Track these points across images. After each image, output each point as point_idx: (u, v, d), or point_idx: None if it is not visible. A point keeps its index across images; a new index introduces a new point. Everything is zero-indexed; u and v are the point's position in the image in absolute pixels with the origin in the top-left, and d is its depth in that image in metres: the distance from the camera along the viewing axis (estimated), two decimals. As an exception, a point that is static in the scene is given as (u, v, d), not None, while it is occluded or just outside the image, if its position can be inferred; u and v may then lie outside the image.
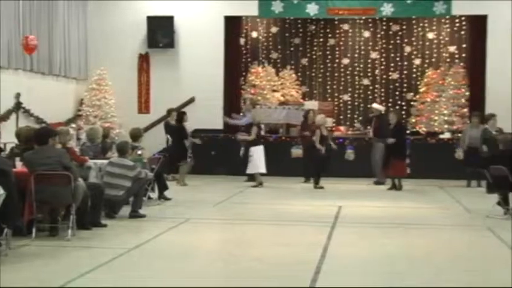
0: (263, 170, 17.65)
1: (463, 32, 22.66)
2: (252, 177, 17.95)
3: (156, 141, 19.30)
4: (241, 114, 18.30)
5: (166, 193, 14.79)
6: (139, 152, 13.63)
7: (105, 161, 12.61)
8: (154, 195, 14.60)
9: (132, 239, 10.31)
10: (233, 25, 22.13)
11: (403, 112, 22.87)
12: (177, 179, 17.71)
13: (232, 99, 21.44)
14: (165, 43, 21.27)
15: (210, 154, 19.71)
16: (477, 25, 21.26)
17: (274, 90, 22.65)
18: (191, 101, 21.03)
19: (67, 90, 20.53)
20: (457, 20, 22.57)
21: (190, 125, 17.94)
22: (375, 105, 19.94)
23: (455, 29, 22.78)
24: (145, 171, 12.86)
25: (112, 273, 8.22)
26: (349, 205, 14.50)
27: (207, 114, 20.41)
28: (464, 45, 22.59)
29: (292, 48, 23.74)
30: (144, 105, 21.62)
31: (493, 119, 17.55)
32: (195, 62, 21.24)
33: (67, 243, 9.78)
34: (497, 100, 19.84)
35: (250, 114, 18.66)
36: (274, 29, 23.78)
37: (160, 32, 21.22)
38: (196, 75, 21.14)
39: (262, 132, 20.02)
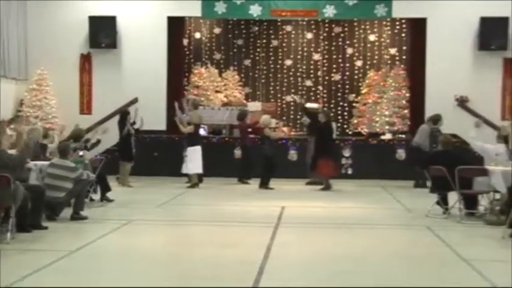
0: (199, 170, 17.60)
1: (403, 35, 23.02)
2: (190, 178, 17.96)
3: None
4: (184, 115, 18.27)
5: (109, 194, 14.68)
6: (81, 153, 13.50)
7: (46, 163, 12.46)
8: (96, 196, 14.47)
9: (74, 241, 10.20)
10: (176, 26, 22.05)
11: (345, 113, 23.17)
12: (120, 178, 17.60)
13: (176, 100, 21.31)
14: (107, 43, 21.08)
15: (153, 155, 19.62)
16: (417, 27, 21.59)
17: (217, 91, 22.66)
18: (134, 101, 20.88)
19: (6, 90, 20.16)
20: (397, 23, 22.92)
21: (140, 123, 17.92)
22: (309, 105, 20.11)
23: (396, 31, 23.13)
24: (87, 172, 12.75)
25: (54, 276, 8.12)
26: (292, 205, 14.58)
27: (150, 115, 20.27)
28: (404, 48, 22.96)
29: (235, 49, 23.79)
30: (86, 106, 21.39)
31: (441, 120, 17.87)
32: (137, 63, 21.10)
33: (6, 246, 9.62)
34: (437, 101, 20.16)
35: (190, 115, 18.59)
36: (217, 30, 23.80)
37: (103, 32, 21.01)
38: (139, 76, 21.01)
39: (204, 133, 20.04)
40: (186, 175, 17.95)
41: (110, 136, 18.39)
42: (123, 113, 18.13)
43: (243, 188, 17.98)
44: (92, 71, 21.44)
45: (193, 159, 17.49)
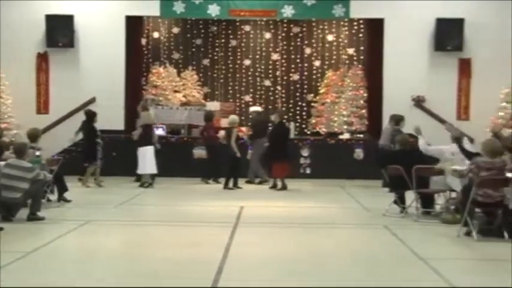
0: (149, 171, 17.51)
1: (361, 35, 23.22)
2: (139, 178, 17.89)
3: (55, 142, 18.98)
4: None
5: (66, 195, 14.56)
6: (37, 153, 13.37)
7: (2, 163, 12.31)
8: (53, 197, 14.35)
9: (30, 242, 10.09)
10: (134, 25, 21.93)
11: (304, 113, 23.29)
12: (83, 179, 17.50)
13: (134, 100, 21.19)
14: (64, 42, 20.87)
15: (111, 155, 19.48)
16: (374, 28, 21.76)
17: (176, 91, 22.61)
18: (92, 101, 20.72)
19: (-38, 90, 19.91)
20: (355, 23, 23.11)
21: None
22: (253, 108, 20.25)
23: (353, 31, 23.32)
24: (43, 172, 12.64)
25: (10, 277, 8.02)
26: (251, 205, 14.61)
27: (108, 115, 20.14)
28: (362, 48, 23.16)
29: (194, 49, 23.77)
30: (43, 106, 21.15)
31: (404, 121, 18.00)
32: (95, 62, 20.93)
33: (-38, 248, 9.51)
34: (394, 101, 20.34)
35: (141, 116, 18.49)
36: (175, 30, 23.76)
37: (60, 31, 20.79)
38: (96, 75, 20.85)
39: (163, 133, 19.97)
40: (137, 175, 17.93)
41: (68, 136, 18.31)
42: (90, 114, 17.99)
43: (201, 188, 17.96)
44: (49, 70, 21.20)
45: (144, 160, 17.41)
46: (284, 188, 17.58)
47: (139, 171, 17.66)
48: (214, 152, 18.70)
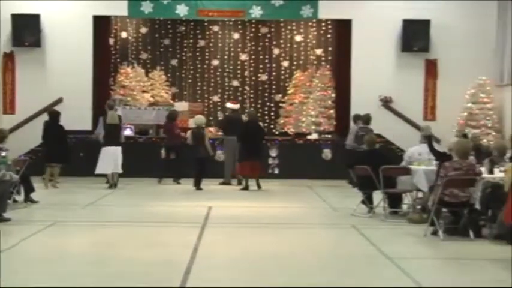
0: (114, 170, 17.39)
1: (329, 35, 23.31)
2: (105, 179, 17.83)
3: (22, 142, 18.82)
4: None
5: (33, 195, 14.43)
6: (3, 154, 13.23)
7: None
8: (20, 198, 14.22)
9: (-4, 244, 10.01)
10: (102, 25, 21.79)
11: (272, 113, 23.35)
12: (45, 179, 17.31)
13: (101, 100, 21.06)
14: (31, 42, 20.68)
15: (79, 155, 19.34)
16: (342, 29, 21.84)
17: (144, 91, 22.53)
18: (59, 101, 20.57)
19: None
20: (323, 24, 23.20)
21: None
22: (229, 105, 20.19)
23: (321, 32, 23.41)
24: (9, 173, 12.53)
25: (-25, 279, 7.96)
26: (219, 205, 14.61)
27: (76, 115, 20.01)
28: (330, 48, 23.24)
29: (162, 49, 23.71)
30: (9, 106, 20.94)
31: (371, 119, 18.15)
32: (62, 62, 20.76)
33: None
34: (362, 101, 20.44)
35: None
36: (144, 30, 23.68)
37: (26, 30, 20.60)
38: (64, 75, 20.67)
39: (131, 133, 19.87)
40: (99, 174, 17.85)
41: (35, 136, 18.16)
42: (55, 114, 17.82)
43: (169, 189, 17.90)
44: (15, 70, 20.98)
45: (108, 160, 17.30)
46: (246, 188, 17.63)
47: (99, 170, 17.45)
48: (176, 153, 18.59)
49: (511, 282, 7.56)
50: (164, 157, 18.94)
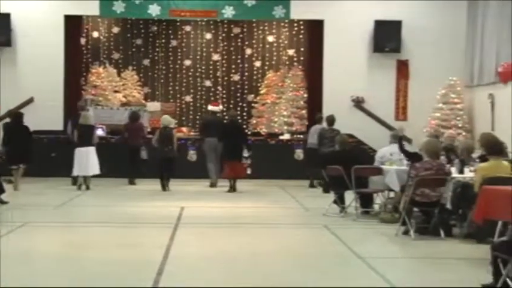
0: (92, 172, 17.24)
1: (301, 36, 23.38)
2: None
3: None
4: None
5: (3, 196, 14.30)
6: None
7: None
8: (-10, 199, 14.10)
9: (-34, 245, 9.92)
10: (73, 24, 21.66)
11: (244, 114, 23.37)
12: (15, 181, 17.14)
13: (73, 100, 20.96)
14: (1, 41, 20.51)
15: (50, 156, 19.23)
16: (314, 29, 21.91)
17: (116, 91, 22.45)
18: (30, 101, 20.43)
19: None
20: (295, 24, 23.27)
21: None
22: (210, 107, 20.18)
23: (294, 32, 23.48)
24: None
25: None
26: (192, 206, 14.59)
27: (47, 115, 19.90)
28: (302, 49, 23.31)
29: (134, 49, 23.66)
30: (-21, 106, 20.77)
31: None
32: (33, 61, 20.63)
33: None
34: (334, 102, 20.53)
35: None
36: (115, 29, 23.61)
37: (-4, 29, 20.48)
38: (35, 75, 20.55)
39: (103, 133, 19.75)
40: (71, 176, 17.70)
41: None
42: (18, 115, 17.63)
43: (140, 189, 17.81)
44: (-15, 70, 20.83)
45: (83, 161, 17.18)
46: (213, 185, 17.76)
47: (76, 172, 17.33)
48: (136, 154, 18.43)
49: (481, 281, 7.63)
50: (129, 158, 18.65)
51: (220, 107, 20.81)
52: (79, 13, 21.60)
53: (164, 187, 17.39)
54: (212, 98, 23.38)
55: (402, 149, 12.60)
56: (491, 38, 18.90)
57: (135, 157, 18.39)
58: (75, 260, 9.26)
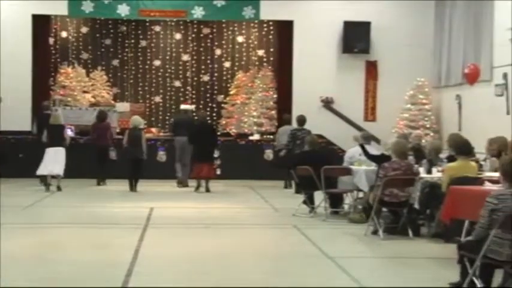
0: (58, 172, 17.13)
1: (271, 36, 23.41)
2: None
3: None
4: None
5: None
6: None
7: None
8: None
9: None
10: (41, 24, 21.49)
11: (214, 114, 23.36)
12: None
13: (41, 100, 20.80)
14: (-33, 41, 20.34)
15: (18, 157, 19.07)
16: (284, 30, 21.97)
17: (84, 91, 22.32)
18: (-3, 101, 20.24)
19: None
20: (265, 25, 23.30)
21: None
22: (182, 106, 20.14)
23: (263, 33, 23.51)
24: None
25: None
26: (161, 206, 14.56)
27: (15, 116, 19.73)
28: (272, 49, 23.35)
29: (103, 49, 23.52)
30: None
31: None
32: (1, 61, 20.41)
33: None
34: (303, 102, 20.59)
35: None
36: (84, 29, 23.45)
37: (-37, 29, 20.24)
38: (2, 75, 20.30)
39: (72, 134, 19.62)
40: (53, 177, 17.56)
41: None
42: None
43: (109, 190, 17.72)
44: (-48, 70, 20.59)
45: (51, 160, 17.06)
46: (181, 183, 17.74)
47: (40, 171, 17.19)
48: (104, 154, 18.33)
49: (448, 280, 7.71)
50: (97, 158, 18.52)
51: (191, 106, 20.76)
52: (47, 13, 21.45)
53: (133, 187, 17.32)
54: (182, 99, 23.34)
55: (367, 155, 12.57)
56: (458, 39, 19.06)
57: (104, 157, 18.28)
58: (44, 261, 9.20)
